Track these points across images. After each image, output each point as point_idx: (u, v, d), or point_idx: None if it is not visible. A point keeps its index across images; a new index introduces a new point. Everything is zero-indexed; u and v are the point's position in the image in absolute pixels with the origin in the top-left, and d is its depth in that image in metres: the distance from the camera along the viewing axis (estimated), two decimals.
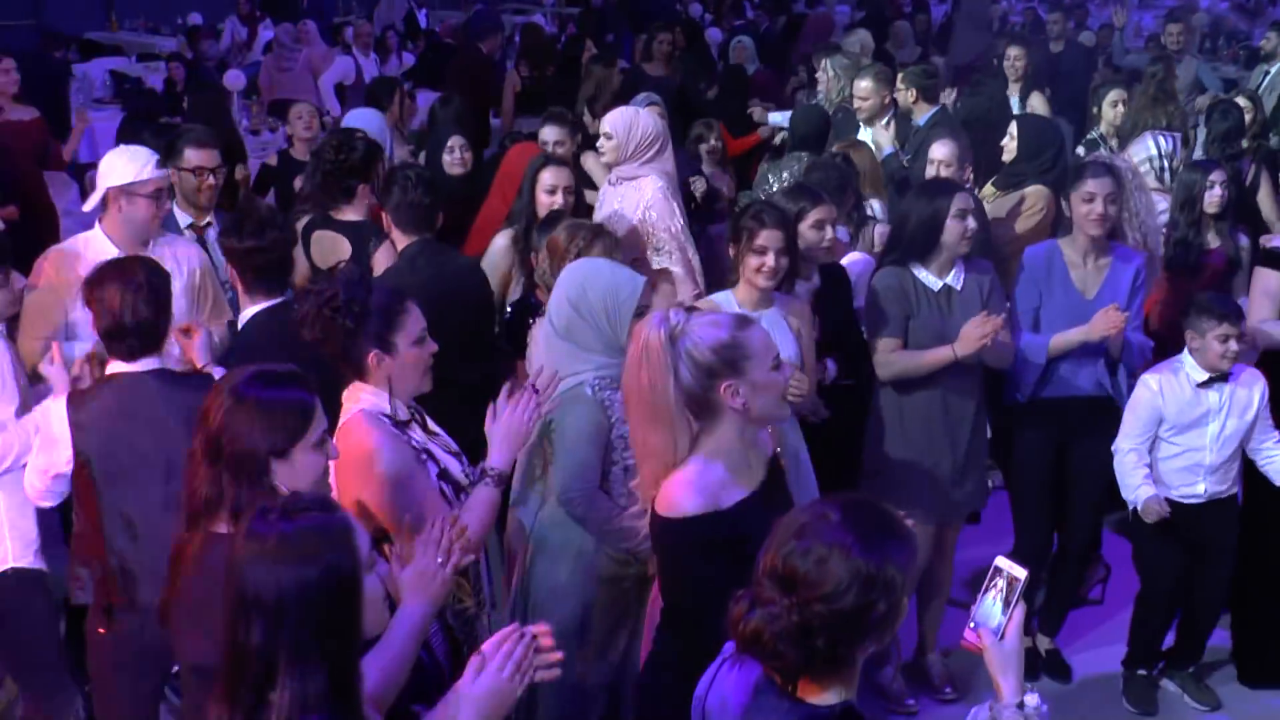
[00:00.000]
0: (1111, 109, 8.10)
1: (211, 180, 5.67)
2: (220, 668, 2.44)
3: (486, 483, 3.61)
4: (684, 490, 3.19)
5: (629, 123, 6.48)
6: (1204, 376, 5.04)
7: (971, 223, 5.06)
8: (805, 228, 5.07)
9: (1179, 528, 5.14)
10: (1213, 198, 5.92)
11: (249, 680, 2.39)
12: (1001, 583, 2.73)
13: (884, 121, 7.93)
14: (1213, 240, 6.00)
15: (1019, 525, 5.60)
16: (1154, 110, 8.11)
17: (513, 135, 7.74)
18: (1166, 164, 6.61)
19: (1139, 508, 5.09)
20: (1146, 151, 6.67)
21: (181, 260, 5.08)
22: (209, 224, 5.69)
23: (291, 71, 11.87)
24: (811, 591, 2.39)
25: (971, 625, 2.76)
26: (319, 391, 3.12)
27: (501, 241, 5.87)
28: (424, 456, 3.64)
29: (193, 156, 5.64)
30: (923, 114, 7.93)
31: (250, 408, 2.95)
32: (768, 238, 4.69)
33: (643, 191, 6.09)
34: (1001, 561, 2.76)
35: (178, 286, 4.50)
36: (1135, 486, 5.09)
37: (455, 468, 3.75)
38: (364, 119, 7.43)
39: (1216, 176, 5.96)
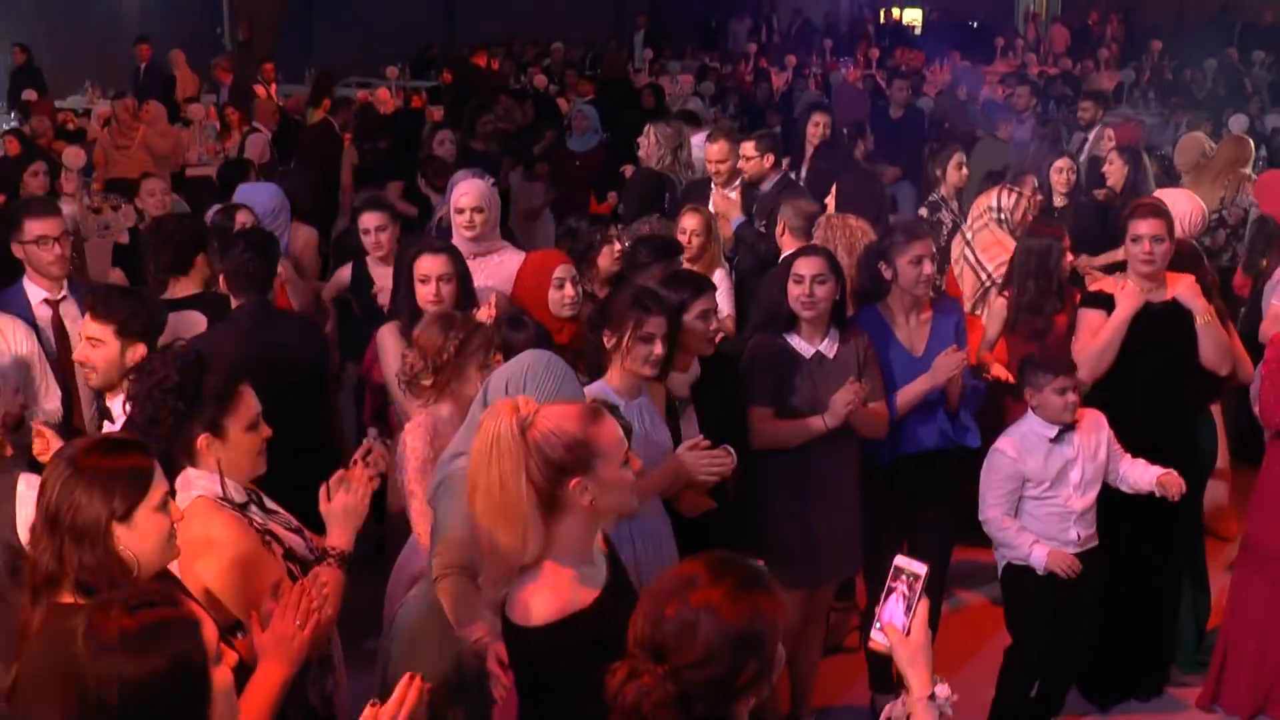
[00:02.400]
0: (956, 171, 8.30)
1: (58, 249, 5.47)
2: None
3: (329, 564, 3.57)
4: (539, 596, 3.02)
5: (490, 197, 6.51)
6: (1054, 431, 5.16)
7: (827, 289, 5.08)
8: (690, 319, 4.78)
9: (1055, 584, 5.20)
10: (1065, 265, 6.11)
11: None
12: (902, 582, 2.82)
13: (731, 189, 8.01)
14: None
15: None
16: None
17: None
18: (1005, 216, 6.89)
19: (1040, 566, 5.13)
20: (988, 201, 6.91)
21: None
22: (64, 297, 5.54)
23: (128, 149, 11.63)
24: (683, 658, 2.40)
25: (877, 626, 2.84)
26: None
27: (387, 334, 5.49)
28: (268, 538, 3.57)
29: (33, 227, 5.47)
30: (770, 179, 8.02)
31: (87, 476, 2.92)
32: (656, 325, 4.45)
33: (507, 266, 6.07)
34: (901, 561, 2.86)
35: None
36: (1026, 546, 5.15)
37: (298, 545, 3.69)
38: (258, 193, 7.43)
39: (1065, 243, 6.13)
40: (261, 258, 5.44)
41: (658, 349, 4.42)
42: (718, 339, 4.95)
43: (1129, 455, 5.30)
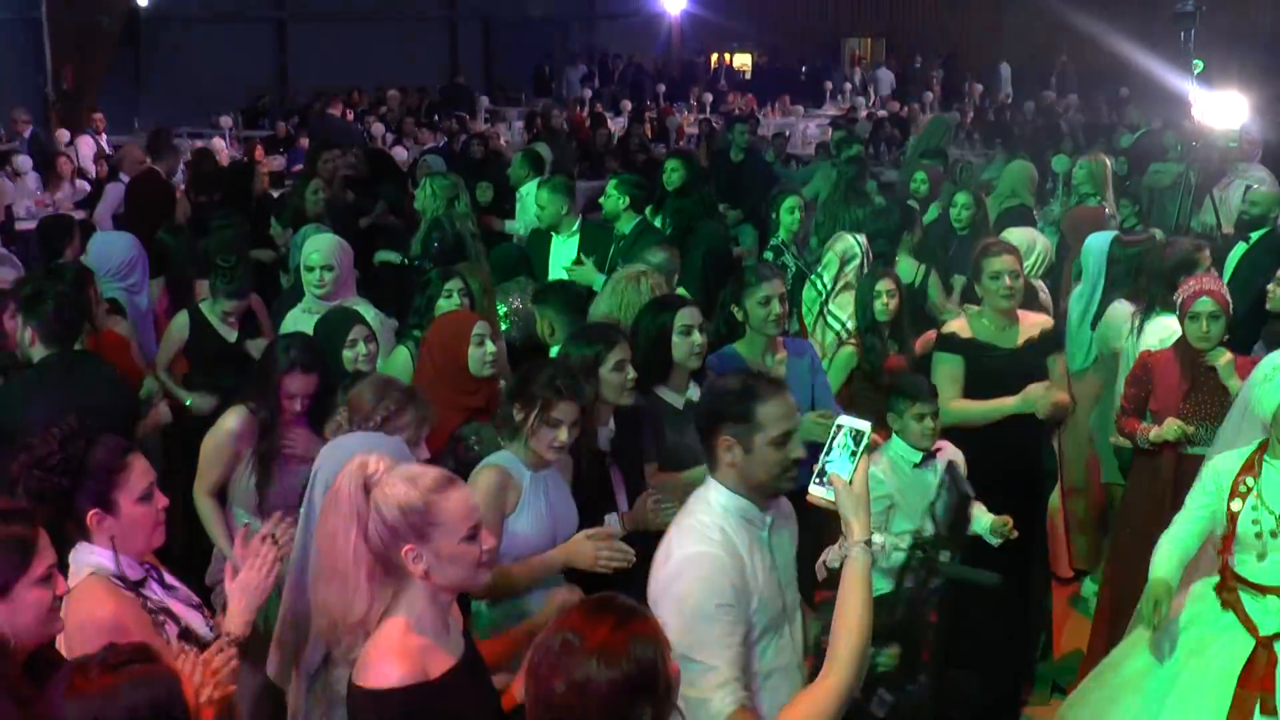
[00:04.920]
0: (789, 215, 8.48)
1: None
2: None
3: (219, 647, 3.35)
4: (386, 658, 2.89)
5: (338, 253, 6.43)
6: (918, 456, 5.25)
7: (698, 337, 5.09)
8: (606, 371, 4.71)
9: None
10: (880, 306, 6.35)
11: None
12: (845, 437, 3.00)
13: (568, 234, 8.05)
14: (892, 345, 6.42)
15: None
16: (847, 206, 8.60)
17: None
18: (868, 259, 6.99)
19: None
20: (850, 248, 7.02)
21: None
22: None
23: None
24: None
25: (817, 480, 3.03)
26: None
27: (234, 424, 5.06)
28: (161, 618, 3.43)
29: None
30: (629, 223, 8.05)
31: None
32: (565, 411, 4.30)
33: None
34: (843, 419, 3.07)
35: None
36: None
37: (198, 622, 3.55)
38: (112, 242, 7.29)
39: (883, 286, 6.36)
40: (72, 310, 5.40)
41: (563, 435, 4.29)
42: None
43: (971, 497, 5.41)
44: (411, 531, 2.92)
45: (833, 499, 3.01)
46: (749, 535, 3.48)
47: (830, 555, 2.89)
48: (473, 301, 6.09)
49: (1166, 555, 4.79)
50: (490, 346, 5.28)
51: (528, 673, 2.48)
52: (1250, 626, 4.62)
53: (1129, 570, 5.84)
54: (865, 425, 3.03)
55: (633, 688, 2.41)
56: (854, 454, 3.00)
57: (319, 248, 6.47)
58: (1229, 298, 5.76)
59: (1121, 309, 6.80)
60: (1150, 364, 5.90)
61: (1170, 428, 5.65)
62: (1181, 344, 5.79)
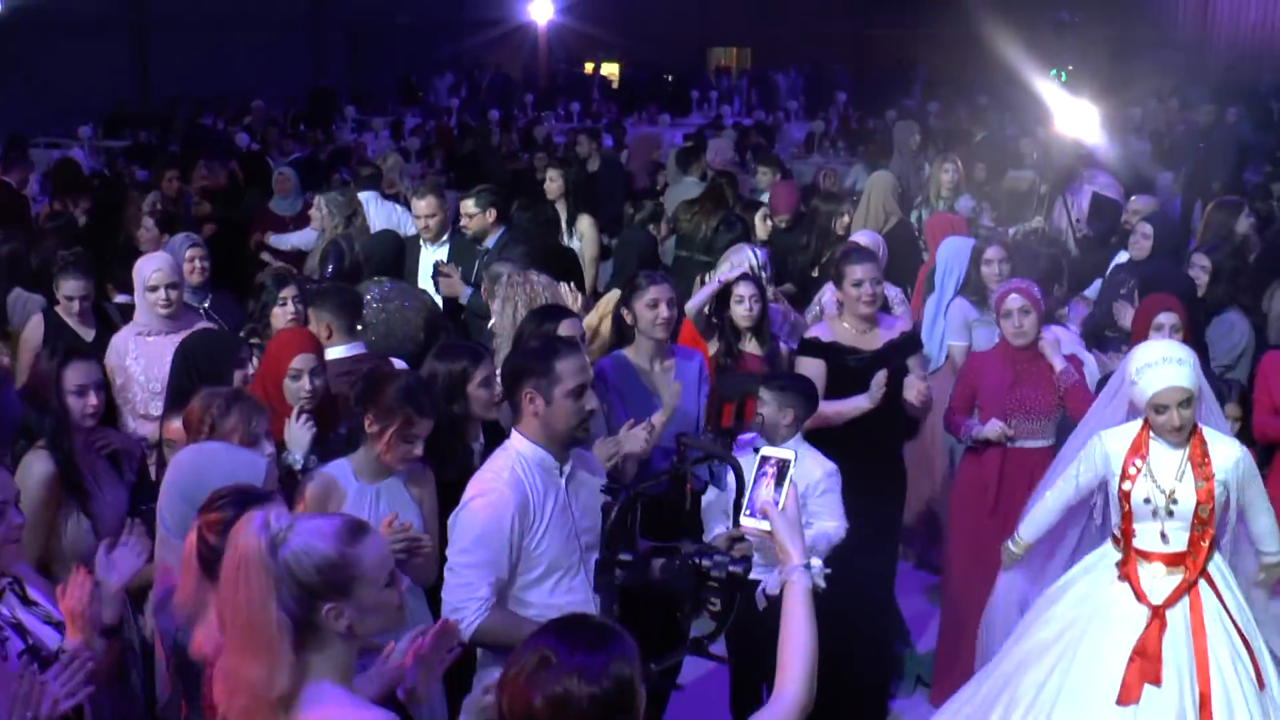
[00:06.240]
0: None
1: None
2: None
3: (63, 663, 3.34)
4: None
5: (179, 270, 6.43)
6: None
7: (580, 349, 5.13)
8: (473, 388, 4.77)
9: (773, 606, 5.36)
10: (740, 311, 6.38)
11: None
12: (770, 468, 3.12)
13: (440, 245, 8.00)
14: (750, 346, 6.44)
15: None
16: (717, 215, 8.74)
17: None
18: (764, 274, 7.14)
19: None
20: (748, 260, 7.13)
21: None
22: None
23: None
24: None
25: (747, 512, 3.15)
26: None
27: (39, 471, 4.59)
28: (5, 634, 3.40)
29: None
30: (493, 235, 7.88)
31: None
32: (424, 428, 4.41)
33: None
34: (767, 450, 3.21)
35: None
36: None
37: (50, 640, 3.52)
38: None
39: (744, 290, 6.40)
40: None
41: (418, 449, 4.40)
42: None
43: (831, 516, 5.40)
44: (331, 589, 2.72)
45: (768, 527, 3.09)
46: (544, 480, 4.10)
47: (769, 582, 3.01)
48: (306, 307, 6.10)
49: (1034, 521, 5.34)
50: (306, 383, 4.96)
51: (500, 687, 2.50)
52: (1143, 597, 4.89)
53: (963, 564, 6.06)
54: (789, 454, 3.14)
55: (611, 705, 2.44)
56: (780, 483, 3.10)
57: (160, 266, 6.34)
58: (1038, 295, 6.07)
59: (961, 307, 7.07)
60: (975, 363, 6.26)
61: (992, 429, 5.97)
62: (1003, 341, 6.11)
